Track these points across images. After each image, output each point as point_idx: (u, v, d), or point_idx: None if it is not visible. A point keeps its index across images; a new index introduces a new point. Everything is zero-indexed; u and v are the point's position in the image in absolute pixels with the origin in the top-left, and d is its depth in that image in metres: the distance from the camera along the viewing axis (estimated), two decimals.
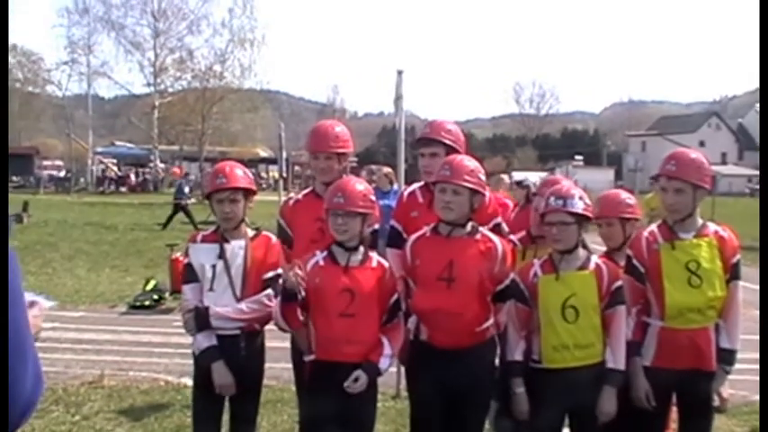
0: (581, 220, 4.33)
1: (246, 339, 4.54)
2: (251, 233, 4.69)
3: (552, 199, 4.34)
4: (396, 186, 10.88)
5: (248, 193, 4.67)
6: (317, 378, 4.16)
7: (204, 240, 4.64)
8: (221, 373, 4.43)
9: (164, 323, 10.74)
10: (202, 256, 4.57)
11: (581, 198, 4.34)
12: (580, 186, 5.09)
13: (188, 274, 4.62)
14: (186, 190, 24.57)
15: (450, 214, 4.26)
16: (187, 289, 4.61)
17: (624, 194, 5.00)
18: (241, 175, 4.62)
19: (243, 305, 4.49)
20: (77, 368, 8.44)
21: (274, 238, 4.80)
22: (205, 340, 4.47)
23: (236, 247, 4.57)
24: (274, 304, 4.31)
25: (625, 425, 4.45)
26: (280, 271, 4.65)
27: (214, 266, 4.52)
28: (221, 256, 4.53)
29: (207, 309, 4.46)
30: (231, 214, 4.55)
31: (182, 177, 27.96)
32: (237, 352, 4.49)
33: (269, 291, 4.55)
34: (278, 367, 7.45)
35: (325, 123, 5.17)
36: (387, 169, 12.45)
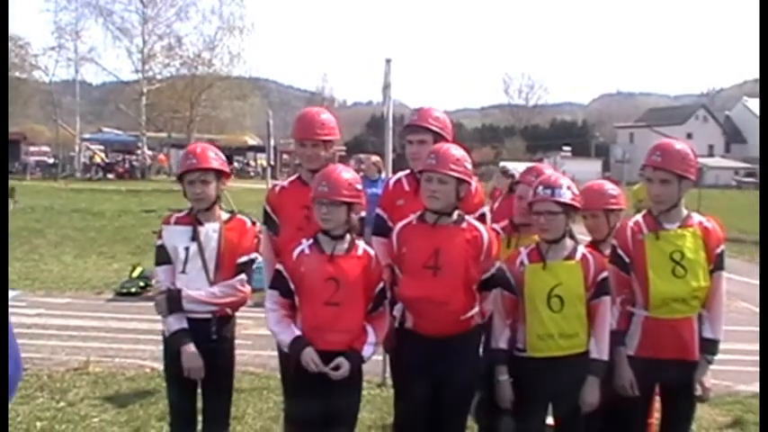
0: (568, 209, 4.34)
1: (218, 323, 4.52)
2: (225, 216, 4.67)
3: (541, 188, 4.34)
4: (384, 175, 10.88)
5: (220, 174, 4.63)
6: (301, 367, 4.15)
7: (178, 222, 4.61)
8: (190, 357, 4.41)
9: (150, 310, 10.53)
10: (176, 238, 4.54)
11: (569, 188, 4.34)
12: (568, 177, 5.08)
13: (160, 256, 4.59)
14: None
15: (437, 203, 4.26)
16: (159, 271, 4.58)
17: (608, 185, 5.00)
18: (212, 156, 4.58)
19: (215, 289, 4.48)
20: (63, 354, 8.42)
21: (249, 222, 4.78)
22: (176, 323, 4.45)
23: (210, 230, 4.54)
24: (271, 324, 4.29)
25: (609, 414, 4.48)
26: (254, 256, 4.66)
27: (187, 249, 4.49)
28: (195, 238, 4.51)
29: (179, 291, 4.44)
30: (203, 195, 4.52)
31: None
32: (208, 336, 4.47)
33: (242, 276, 4.55)
34: (264, 355, 7.48)
35: (310, 110, 5.15)
36: (375, 158, 12.44)
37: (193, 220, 4.57)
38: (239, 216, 4.77)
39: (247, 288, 4.57)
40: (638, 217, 4.52)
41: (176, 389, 4.65)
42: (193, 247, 4.50)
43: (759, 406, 4.60)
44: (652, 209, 4.47)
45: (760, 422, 4.35)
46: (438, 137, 4.79)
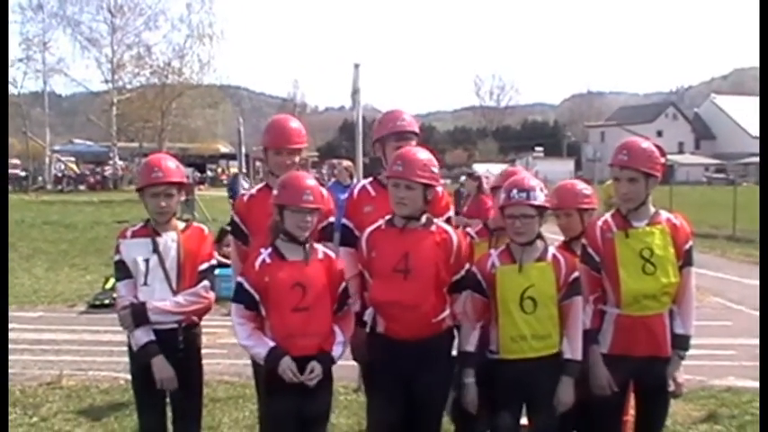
0: (541, 211, 4.36)
1: (184, 333, 4.51)
2: (181, 225, 4.66)
3: (515, 191, 4.34)
4: (356, 180, 10.89)
5: (181, 186, 4.63)
6: (273, 373, 4.14)
7: (135, 235, 4.57)
8: (161, 367, 4.39)
9: None
10: (134, 251, 4.50)
11: (541, 189, 4.36)
12: (540, 177, 5.11)
13: (120, 271, 4.55)
14: (246, 185, 23.65)
15: (405, 209, 4.27)
16: (121, 286, 4.55)
17: (580, 185, 5.03)
18: (175, 169, 4.57)
19: (180, 298, 4.46)
20: (35, 369, 8.34)
21: (206, 229, 4.78)
22: (144, 335, 4.41)
23: (168, 240, 4.53)
24: (241, 335, 4.25)
25: (583, 413, 4.50)
26: (214, 262, 4.66)
27: (147, 261, 4.47)
28: (155, 249, 4.49)
29: (143, 304, 4.41)
30: (167, 208, 4.52)
31: (233, 176, 26.49)
32: (176, 346, 4.45)
33: (205, 282, 4.55)
34: (240, 363, 7.44)
35: (283, 119, 5.13)
36: (347, 163, 12.45)
37: (151, 231, 4.54)
38: (195, 224, 4.78)
39: (211, 294, 4.57)
40: (607, 216, 4.55)
41: (145, 402, 4.62)
42: (153, 258, 4.47)
43: (759, 407, 4.63)
44: (620, 207, 4.50)
45: (760, 423, 4.39)
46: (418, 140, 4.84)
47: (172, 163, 4.60)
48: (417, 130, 4.93)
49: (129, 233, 4.59)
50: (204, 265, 4.59)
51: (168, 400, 4.61)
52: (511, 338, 4.31)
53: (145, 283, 4.46)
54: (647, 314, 4.38)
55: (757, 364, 8.43)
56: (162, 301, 4.42)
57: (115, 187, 51.01)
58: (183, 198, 4.70)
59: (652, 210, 4.47)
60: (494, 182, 5.70)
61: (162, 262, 4.48)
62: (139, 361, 4.46)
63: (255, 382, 4.93)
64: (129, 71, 54.42)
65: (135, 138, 56.87)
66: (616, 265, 4.38)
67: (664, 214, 4.50)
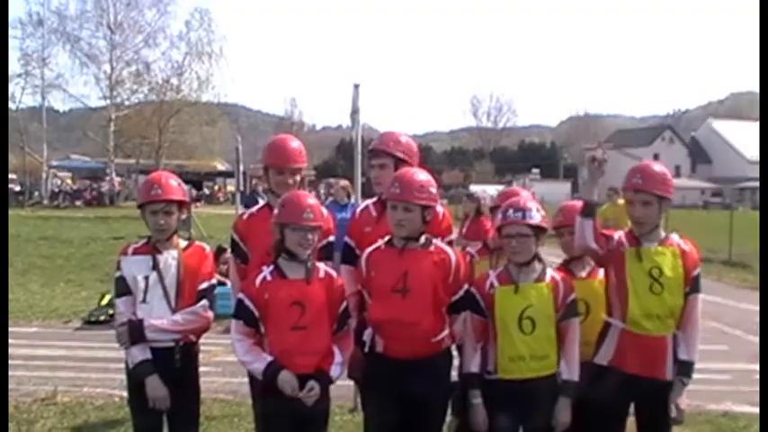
0: (538, 231, 4.36)
1: (181, 351, 4.50)
2: (183, 244, 4.66)
3: (511, 211, 4.36)
4: (353, 200, 10.88)
5: (181, 204, 4.63)
6: (270, 391, 4.13)
7: (136, 252, 4.58)
8: (155, 387, 4.38)
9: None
10: (134, 268, 4.51)
11: (538, 210, 4.38)
12: (537, 199, 5.12)
13: (120, 288, 4.55)
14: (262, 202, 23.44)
15: (403, 231, 4.28)
16: (120, 303, 4.55)
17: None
18: (176, 187, 4.58)
19: (178, 316, 4.45)
20: (30, 385, 8.30)
21: (208, 248, 4.79)
22: (140, 353, 4.41)
23: (169, 258, 4.53)
24: (239, 353, 4.25)
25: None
26: (214, 281, 4.66)
27: (147, 278, 4.47)
28: (155, 267, 4.49)
29: (141, 321, 4.40)
30: (165, 226, 4.53)
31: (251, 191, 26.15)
32: (172, 364, 4.45)
33: (204, 301, 4.54)
34: (235, 382, 7.41)
35: (285, 138, 5.16)
36: (344, 182, 12.43)
37: (152, 248, 4.55)
38: (197, 243, 4.78)
39: (210, 313, 4.56)
40: (621, 233, 4.56)
41: (142, 421, 4.60)
42: (153, 275, 4.47)
43: (759, 410, 4.61)
44: (633, 230, 4.51)
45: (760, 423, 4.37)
46: (400, 161, 4.80)
47: (173, 181, 4.61)
48: (394, 150, 4.85)
49: (130, 250, 4.59)
50: (204, 284, 4.59)
51: (165, 418, 4.59)
52: (509, 358, 4.31)
53: (144, 301, 4.45)
54: (651, 334, 4.39)
55: (754, 389, 8.45)
56: (159, 319, 4.41)
57: (111, 203, 50.91)
58: (183, 216, 4.68)
59: (663, 233, 4.49)
60: (492, 202, 5.71)
61: (161, 279, 4.47)
62: (135, 378, 4.45)
63: (252, 400, 4.91)
64: (127, 88, 54.52)
65: (132, 154, 56.84)
66: (625, 280, 4.41)
67: (674, 237, 4.54)
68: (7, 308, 2.43)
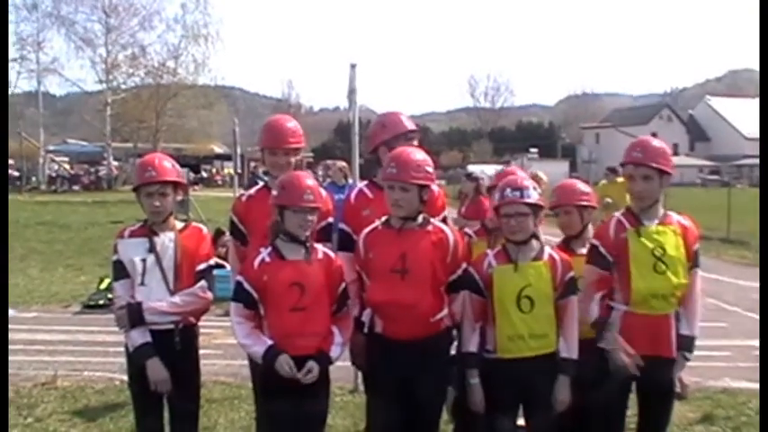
0: (536, 209, 4.36)
1: (181, 334, 4.49)
2: (179, 225, 4.64)
3: (509, 190, 4.35)
4: (351, 181, 10.86)
5: (177, 186, 4.61)
6: (270, 373, 4.13)
7: (132, 235, 4.56)
8: (156, 370, 4.37)
9: None
10: (131, 251, 4.49)
11: (534, 188, 4.39)
12: (545, 180, 5.11)
13: (117, 271, 4.54)
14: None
15: (401, 211, 4.27)
16: (118, 286, 4.54)
17: (580, 183, 5.06)
18: (170, 168, 4.55)
19: (177, 298, 4.45)
20: (30, 369, 8.32)
21: (205, 229, 4.77)
22: (139, 337, 4.40)
23: (165, 240, 4.51)
24: (240, 336, 4.25)
25: (582, 417, 4.50)
26: (212, 262, 4.65)
27: (144, 260, 4.45)
28: (152, 249, 4.47)
29: (140, 304, 4.40)
30: (161, 208, 4.50)
31: (253, 173, 26.00)
32: (172, 347, 4.44)
33: (203, 282, 4.54)
34: (236, 364, 7.43)
35: (279, 119, 5.13)
36: (341, 163, 12.41)
37: (148, 231, 4.53)
38: (194, 224, 4.76)
39: (209, 294, 4.55)
40: (619, 215, 4.56)
41: (142, 404, 4.61)
42: (150, 258, 4.46)
43: (759, 406, 4.63)
44: (633, 206, 4.51)
45: (760, 421, 4.39)
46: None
47: (167, 162, 4.59)
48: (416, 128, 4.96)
49: (126, 233, 4.58)
50: (202, 266, 4.58)
51: (165, 401, 4.60)
52: (508, 338, 4.32)
53: (142, 283, 4.44)
54: (655, 314, 4.40)
55: (752, 365, 8.47)
56: (159, 301, 4.41)
57: (109, 187, 50.84)
58: (179, 198, 4.66)
59: (662, 211, 4.49)
60: (490, 182, 5.71)
61: (159, 262, 4.46)
62: (136, 362, 4.45)
63: (252, 382, 4.92)
64: (123, 71, 54.38)
65: (129, 138, 56.72)
66: (628, 263, 4.41)
67: (674, 215, 4.54)
68: (7, 297, 2.44)
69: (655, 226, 4.44)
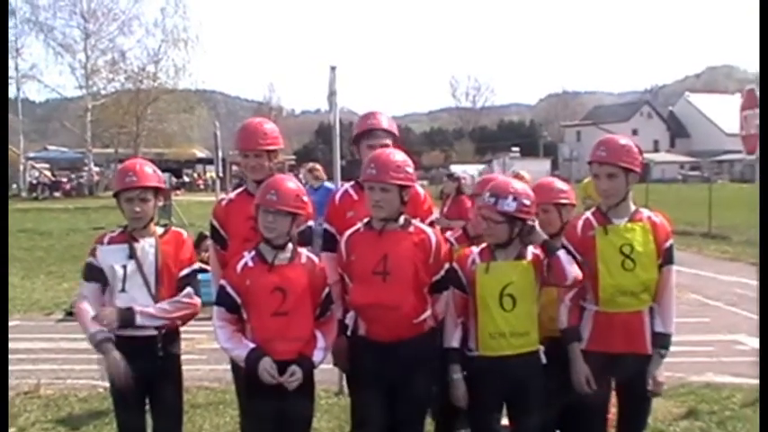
0: (513, 219, 4.31)
1: (163, 340, 4.46)
2: (160, 231, 4.60)
3: (487, 195, 4.33)
4: (326, 183, 10.85)
5: (158, 191, 4.57)
6: (253, 376, 4.11)
7: (112, 242, 4.52)
8: (113, 362, 4.28)
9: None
10: (111, 258, 4.45)
11: (516, 198, 4.27)
12: (527, 180, 5.07)
13: (89, 273, 4.51)
14: None
15: (381, 212, 4.26)
16: (86, 286, 4.51)
17: (557, 182, 5.04)
18: (151, 173, 4.51)
19: (165, 304, 4.41)
20: (13, 378, 8.20)
21: (185, 234, 4.73)
22: (99, 333, 4.33)
23: (146, 246, 4.48)
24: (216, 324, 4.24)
25: (566, 411, 4.51)
26: (196, 266, 4.61)
27: (125, 267, 4.42)
28: (132, 255, 4.44)
29: (131, 308, 4.35)
30: (141, 213, 4.46)
31: (240, 177, 25.60)
32: (154, 353, 4.42)
33: (189, 289, 4.51)
34: (219, 369, 7.40)
35: (253, 121, 5.11)
36: (310, 165, 12.35)
37: (128, 237, 4.50)
38: (174, 229, 4.73)
39: (197, 299, 4.52)
40: (588, 214, 4.57)
41: (125, 411, 4.56)
42: (131, 264, 4.42)
43: (759, 400, 4.64)
44: (601, 204, 4.52)
45: (760, 416, 4.40)
46: (394, 139, 4.83)
47: (148, 167, 4.55)
48: (391, 128, 4.91)
49: (106, 239, 4.55)
50: (186, 271, 4.55)
51: (148, 407, 4.57)
52: (489, 335, 4.31)
53: (123, 290, 4.41)
54: (626, 311, 4.41)
55: (736, 359, 8.54)
56: (146, 306, 4.38)
57: (91, 194, 50.64)
58: (161, 203, 4.63)
59: (633, 207, 4.50)
60: (473, 182, 5.72)
61: (140, 268, 4.43)
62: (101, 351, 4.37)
63: (236, 386, 4.90)
64: (103, 77, 54.13)
65: (110, 144, 56.48)
66: (596, 261, 4.41)
67: (645, 212, 4.54)
68: (7, 306, 2.42)
69: (624, 223, 4.45)
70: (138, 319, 4.35)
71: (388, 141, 4.81)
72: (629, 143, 4.48)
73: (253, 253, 4.26)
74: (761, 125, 7.45)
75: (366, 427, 4.43)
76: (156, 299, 4.43)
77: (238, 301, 4.20)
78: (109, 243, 4.52)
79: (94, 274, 4.48)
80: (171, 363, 4.56)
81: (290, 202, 4.18)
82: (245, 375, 4.24)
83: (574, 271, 4.24)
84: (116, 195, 4.57)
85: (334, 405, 7.02)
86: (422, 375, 4.39)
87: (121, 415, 4.61)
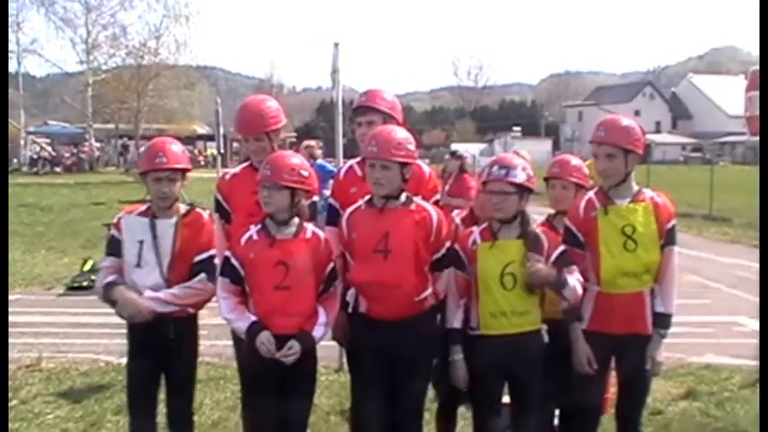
0: (522, 190, 4.34)
1: (175, 323, 4.45)
2: (183, 209, 4.59)
3: (495, 168, 4.33)
4: (320, 160, 10.80)
5: (185, 172, 4.57)
6: (255, 351, 4.12)
7: (137, 214, 4.54)
8: (121, 300, 4.36)
9: (102, 304, 10.51)
10: (131, 230, 4.47)
11: (524, 169, 4.33)
12: (530, 159, 5.06)
13: (109, 246, 4.56)
14: None
15: (382, 189, 4.24)
16: (106, 260, 4.56)
17: (581, 162, 5.05)
18: (180, 154, 4.51)
19: (176, 290, 4.41)
20: (14, 352, 8.25)
21: (206, 215, 4.70)
22: (109, 278, 4.45)
23: (166, 226, 4.48)
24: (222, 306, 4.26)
25: (564, 391, 4.53)
26: (213, 252, 4.58)
27: (142, 242, 4.43)
28: (150, 232, 4.45)
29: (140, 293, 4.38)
30: (169, 194, 4.47)
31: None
32: (166, 335, 4.43)
33: (202, 275, 4.48)
34: (220, 345, 7.42)
35: (249, 103, 4.98)
36: (306, 142, 12.28)
37: (151, 214, 4.50)
38: (197, 210, 4.69)
39: (209, 285, 4.46)
40: (591, 194, 4.56)
41: (136, 376, 4.58)
42: (148, 241, 4.43)
43: (759, 394, 4.67)
44: (602, 184, 4.51)
45: (760, 412, 4.43)
46: (387, 117, 4.74)
47: (176, 147, 4.54)
48: (382, 106, 4.79)
49: (131, 210, 4.58)
50: (202, 256, 4.52)
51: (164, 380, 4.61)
52: (491, 314, 4.32)
53: (138, 265, 4.42)
54: (627, 292, 4.40)
55: (735, 341, 8.57)
56: (153, 283, 4.39)
57: (91, 169, 50.51)
58: (186, 183, 4.61)
59: (635, 188, 4.48)
60: (474, 161, 5.70)
61: (156, 246, 4.43)
62: (134, 346, 4.49)
63: (237, 362, 4.91)
64: (104, 52, 53.76)
65: (111, 119, 56.27)
66: (598, 242, 4.40)
67: (647, 192, 4.52)
68: (7, 280, 2.44)
69: (626, 204, 4.44)
70: (148, 304, 4.34)
71: (375, 118, 4.74)
72: (630, 124, 4.47)
73: (259, 226, 4.26)
74: (761, 114, 7.43)
75: (366, 404, 4.44)
76: (168, 280, 4.42)
77: (242, 273, 4.21)
78: (133, 215, 4.54)
79: (113, 248, 4.52)
80: (183, 344, 4.57)
81: (284, 175, 4.17)
82: (245, 350, 4.25)
83: (573, 295, 4.30)
84: (143, 174, 4.56)
85: (334, 382, 7.05)
86: (422, 353, 4.40)
87: (132, 387, 4.61)
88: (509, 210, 4.33)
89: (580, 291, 4.31)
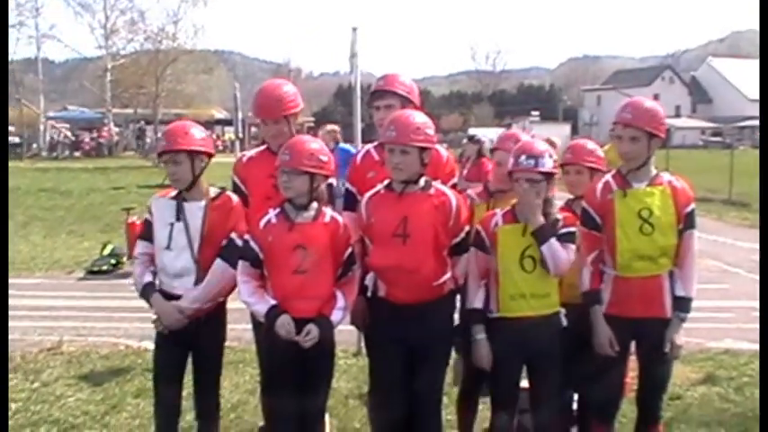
0: (549, 177, 4.33)
1: (206, 313, 4.52)
2: (213, 193, 4.60)
3: (523, 158, 4.30)
4: (342, 144, 10.79)
5: (197, 154, 4.54)
6: (274, 335, 4.14)
7: (166, 197, 4.60)
8: (159, 304, 4.45)
9: (122, 287, 10.62)
10: (160, 212, 4.53)
11: (550, 156, 4.32)
12: (551, 142, 5.05)
13: (144, 231, 4.63)
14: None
15: (401, 174, 4.24)
16: (140, 244, 4.63)
17: (595, 145, 5.03)
18: (183, 136, 4.50)
19: (197, 292, 4.44)
20: (35, 335, 8.37)
21: (235, 199, 4.70)
22: (146, 277, 4.52)
23: (194, 208, 4.50)
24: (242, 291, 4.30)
25: (584, 374, 4.53)
26: (234, 236, 4.57)
27: (172, 225, 4.47)
28: (179, 215, 4.48)
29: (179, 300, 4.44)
30: (176, 175, 4.49)
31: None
32: (196, 319, 4.47)
33: (219, 261, 4.48)
34: (239, 328, 7.43)
35: (267, 87, 4.98)
36: (330, 126, 12.28)
37: (180, 196, 4.54)
38: (227, 193, 4.71)
39: (229, 271, 4.45)
40: (608, 177, 4.54)
41: (163, 362, 4.65)
42: (178, 224, 4.47)
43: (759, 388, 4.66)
44: (621, 167, 4.49)
45: (760, 408, 4.42)
46: (405, 101, 4.73)
47: (182, 130, 4.55)
48: (400, 89, 4.79)
49: (164, 194, 4.64)
50: (226, 241, 4.54)
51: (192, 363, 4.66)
52: (510, 297, 4.33)
53: (168, 247, 4.47)
54: (644, 275, 4.39)
55: (754, 326, 8.51)
56: (185, 275, 4.46)
57: (110, 153, 50.73)
58: (203, 164, 4.58)
59: (653, 171, 4.46)
60: (492, 144, 5.68)
61: (186, 229, 4.47)
62: (162, 331, 4.52)
63: (256, 346, 4.94)
64: (122, 37, 53.95)
65: (129, 104, 56.46)
66: (614, 225, 4.39)
67: (665, 176, 4.50)
68: (7, 263, 2.44)
69: (643, 187, 4.42)
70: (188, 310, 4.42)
71: (393, 102, 4.74)
72: (655, 107, 4.44)
73: (277, 210, 4.27)
74: (761, 103, 7.35)
75: (384, 388, 4.46)
76: (199, 261, 4.46)
77: (261, 256, 4.23)
78: (164, 198, 4.60)
79: (147, 232, 4.59)
80: (212, 325, 4.61)
81: (304, 161, 4.17)
82: (265, 334, 4.28)
83: (561, 264, 4.27)
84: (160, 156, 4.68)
85: (352, 366, 7.08)
86: (441, 338, 4.42)
87: (159, 366, 4.69)
88: (539, 197, 4.31)
89: (562, 259, 4.26)
